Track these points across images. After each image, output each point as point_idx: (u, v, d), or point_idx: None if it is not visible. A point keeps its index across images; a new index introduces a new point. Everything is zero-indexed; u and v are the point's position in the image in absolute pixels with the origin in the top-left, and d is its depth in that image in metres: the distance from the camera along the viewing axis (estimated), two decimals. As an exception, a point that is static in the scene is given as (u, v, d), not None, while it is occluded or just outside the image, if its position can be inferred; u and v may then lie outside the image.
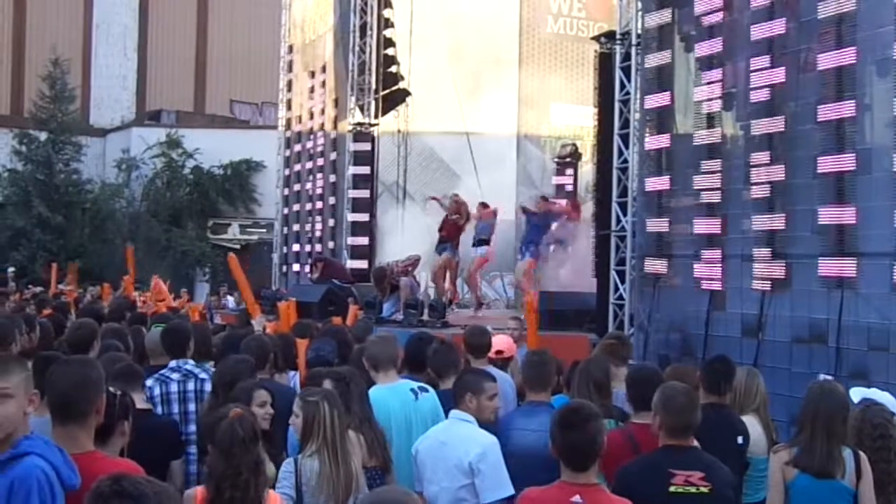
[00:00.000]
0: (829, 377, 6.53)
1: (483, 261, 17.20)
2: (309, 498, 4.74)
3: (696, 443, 4.81)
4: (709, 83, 11.60)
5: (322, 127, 24.65)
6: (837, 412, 5.14)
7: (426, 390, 6.18)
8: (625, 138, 13.44)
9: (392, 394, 6.02)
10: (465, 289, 19.41)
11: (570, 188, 19.79)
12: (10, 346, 6.69)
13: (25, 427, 3.56)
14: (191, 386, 6.52)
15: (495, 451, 5.07)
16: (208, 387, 6.40)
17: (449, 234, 17.02)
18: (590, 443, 4.22)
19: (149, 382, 6.42)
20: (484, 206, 17.32)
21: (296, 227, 25.86)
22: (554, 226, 17.59)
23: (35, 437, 3.54)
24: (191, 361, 6.72)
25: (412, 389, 6.13)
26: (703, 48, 11.74)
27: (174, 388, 6.49)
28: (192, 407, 6.41)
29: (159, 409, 6.36)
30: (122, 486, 2.83)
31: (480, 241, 16.95)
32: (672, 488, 4.58)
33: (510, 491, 4.91)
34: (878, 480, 5.10)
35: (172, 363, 6.67)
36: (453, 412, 5.33)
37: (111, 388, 4.27)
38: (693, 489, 4.59)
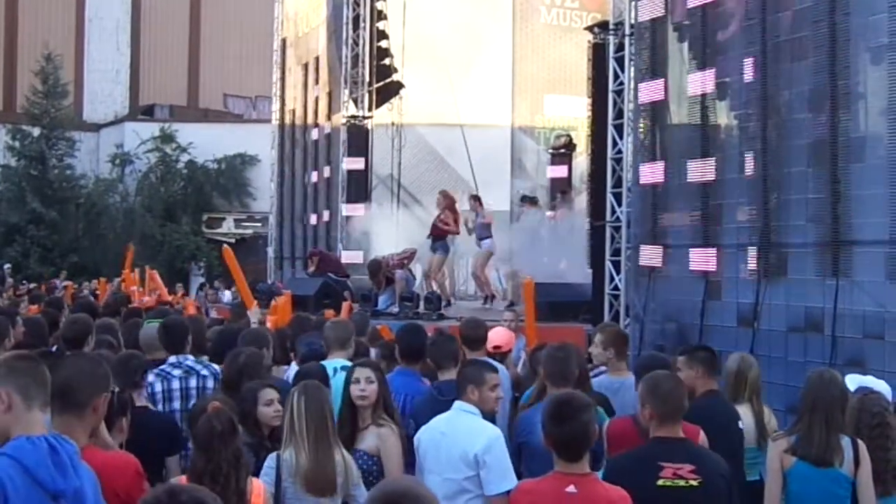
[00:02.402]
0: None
1: (489, 254, 17.11)
2: (292, 491, 4.74)
3: (682, 433, 4.79)
4: (702, 72, 11.58)
5: (316, 120, 24.60)
6: (836, 401, 5.14)
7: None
8: (619, 128, 13.43)
9: None
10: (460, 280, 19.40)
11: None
12: (4, 341, 6.69)
13: (18, 426, 3.36)
14: (193, 383, 6.46)
15: (500, 444, 5.05)
16: (210, 383, 6.38)
17: (438, 234, 16.89)
18: (582, 433, 4.23)
19: (150, 378, 6.35)
20: (476, 199, 17.15)
21: (290, 221, 25.83)
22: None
23: (30, 438, 3.35)
24: (191, 357, 6.67)
25: (334, 368, 6.40)
26: (697, 38, 11.72)
27: (176, 384, 6.43)
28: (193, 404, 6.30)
29: (161, 407, 6.30)
30: (181, 501, 2.68)
31: (483, 238, 16.81)
32: (660, 482, 4.55)
33: (514, 483, 4.89)
34: (875, 469, 5.10)
35: (172, 359, 6.60)
36: (457, 403, 5.28)
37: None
38: (682, 482, 4.56)
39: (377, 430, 5.35)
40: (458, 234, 16.86)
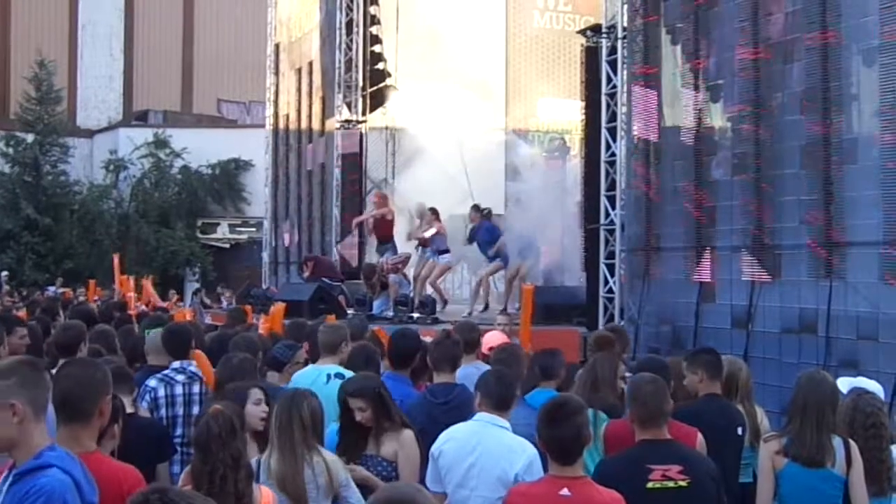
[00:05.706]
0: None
1: (446, 268, 16.65)
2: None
3: (668, 434, 4.79)
4: (695, 74, 11.61)
5: (310, 125, 24.60)
6: (827, 401, 5.13)
7: (342, 377, 6.10)
8: (612, 132, 13.44)
9: (308, 375, 6.48)
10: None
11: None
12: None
13: (32, 437, 3.37)
14: (196, 389, 6.42)
15: (538, 462, 4.83)
16: None
17: (384, 234, 16.83)
18: (575, 436, 4.23)
19: (152, 383, 6.37)
20: (434, 212, 16.33)
21: (285, 226, 25.82)
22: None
23: (59, 449, 3.40)
24: (194, 363, 6.62)
25: (328, 374, 6.37)
26: (689, 40, 11.74)
27: (179, 390, 6.40)
28: (196, 410, 6.23)
29: (164, 412, 6.28)
30: (170, 498, 2.69)
31: (442, 252, 16.14)
32: (650, 484, 4.56)
33: None
34: (870, 469, 5.09)
35: (176, 364, 6.57)
36: (483, 415, 5.05)
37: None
38: (671, 483, 4.57)
39: (396, 435, 5.21)
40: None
